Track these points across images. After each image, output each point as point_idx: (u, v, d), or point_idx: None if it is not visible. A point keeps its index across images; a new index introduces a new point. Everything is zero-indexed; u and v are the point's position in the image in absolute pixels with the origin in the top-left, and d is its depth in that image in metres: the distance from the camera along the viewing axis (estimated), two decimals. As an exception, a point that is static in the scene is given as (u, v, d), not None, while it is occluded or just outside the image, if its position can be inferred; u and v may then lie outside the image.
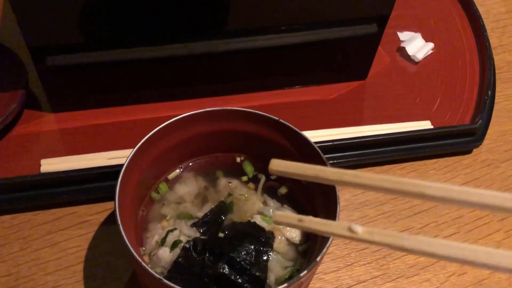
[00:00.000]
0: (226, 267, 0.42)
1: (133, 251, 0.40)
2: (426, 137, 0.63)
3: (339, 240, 0.56)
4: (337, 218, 0.41)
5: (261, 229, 0.45)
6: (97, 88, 0.61)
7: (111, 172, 0.55)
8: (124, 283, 0.51)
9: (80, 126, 0.61)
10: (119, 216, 0.41)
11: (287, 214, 0.37)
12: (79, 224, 0.55)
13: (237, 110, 0.47)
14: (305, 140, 0.46)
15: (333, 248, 0.55)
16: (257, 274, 0.42)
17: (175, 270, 0.42)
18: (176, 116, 0.61)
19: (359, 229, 0.33)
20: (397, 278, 0.54)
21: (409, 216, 0.59)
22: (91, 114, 0.62)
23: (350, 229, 0.33)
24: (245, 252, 0.43)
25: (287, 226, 0.38)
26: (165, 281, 0.37)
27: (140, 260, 0.39)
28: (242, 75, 0.65)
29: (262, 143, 0.49)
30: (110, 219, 0.55)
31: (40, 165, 0.56)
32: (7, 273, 0.51)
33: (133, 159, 0.44)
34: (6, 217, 0.54)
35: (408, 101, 0.68)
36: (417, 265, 0.55)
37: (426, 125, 0.64)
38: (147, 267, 0.39)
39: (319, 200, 0.47)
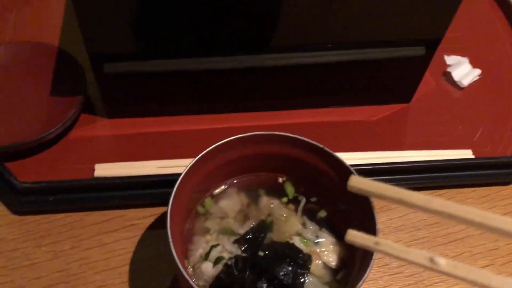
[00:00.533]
0: (265, 286, 0.44)
1: (179, 263, 0.43)
2: (467, 166, 0.63)
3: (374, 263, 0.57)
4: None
5: (299, 251, 0.47)
6: (151, 97, 0.65)
7: (160, 181, 0.58)
8: (166, 286, 0.54)
9: (132, 133, 0.64)
10: (170, 227, 0.44)
11: (363, 235, 0.38)
12: (127, 227, 0.58)
13: (283, 135, 0.50)
14: (348, 170, 0.48)
15: (366, 270, 0.57)
16: (294, 295, 0.44)
17: (217, 285, 0.45)
18: (222, 129, 0.65)
19: (442, 262, 0.33)
20: (427, 305, 0.55)
21: (443, 243, 0.60)
22: (144, 122, 0.65)
23: (432, 261, 0.33)
24: (283, 273, 0.45)
25: (360, 246, 0.38)
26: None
27: (185, 272, 0.42)
28: (286, 92, 0.67)
29: (304, 167, 0.51)
30: (156, 224, 0.59)
31: (94, 169, 0.59)
32: (60, 269, 0.55)
33: (187, 175, 0.47)
34: (60, 215, 0.58)
35: (450, 128, 0.68)
36: (448, 293, 0.56)
37: (467, 154, 0.65)
38: (191, 281, 0.41)
39: (357, 224, 0.48)
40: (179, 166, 0.59)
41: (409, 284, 0.57)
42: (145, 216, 0.59)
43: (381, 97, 0.70)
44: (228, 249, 0.48)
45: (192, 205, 0.51)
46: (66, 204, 0.58)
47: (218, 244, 0.48)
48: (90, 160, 0.60)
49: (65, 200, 0.58)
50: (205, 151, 0.48)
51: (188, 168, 0.47)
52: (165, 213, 0.59)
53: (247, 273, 0.45)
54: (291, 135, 0.50)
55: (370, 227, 0.45)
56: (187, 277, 0.41)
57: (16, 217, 0.58)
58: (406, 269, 0.58)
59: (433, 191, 0.64)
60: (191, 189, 0.48)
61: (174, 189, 0.46)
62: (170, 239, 0.43)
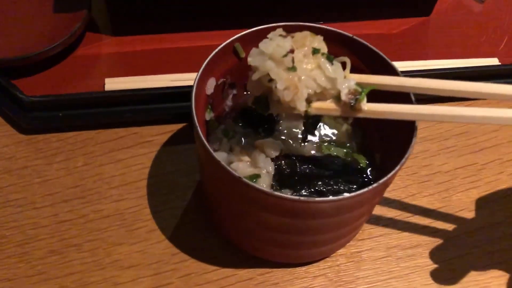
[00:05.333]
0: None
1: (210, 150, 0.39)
2: (493, 74, 0.61)
3: (402, 172, 0.55)
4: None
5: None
6: (157, 12, 0.61)
7: (175, 93, 0.55)
8: (186, 200, 0.52)
9: (141, 50, 0.61)
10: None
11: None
12: (142, 143, 0.55)
13: (311, 26, 0.46)
14: (382, 58, 0.45)
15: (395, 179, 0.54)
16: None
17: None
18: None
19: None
20: (460, 210, 0.53)
21: (473, 152, 0.57)
22: (150, 39, 0.62)
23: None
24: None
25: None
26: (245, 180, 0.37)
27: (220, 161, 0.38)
28: (303, 5, 0.64)
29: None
30: (173, 140, 0.56)
31: (104, 84, 0.56)
32: (74, 185, 0.52)
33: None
34: (71, 134, 0.55)
35: (473, 39, 0.66)
36: (479, 199, 0.54)
37: (493, 61, 0.62)
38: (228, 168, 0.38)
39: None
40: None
41: (440, 191, 0.54)
42: (159, 133, 0.56)
43: (399, 10, 0.66)
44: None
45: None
46: (76, 120, 0.55)
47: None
48: (100, 76, 0.57)
49: (76, 116, 0.54)
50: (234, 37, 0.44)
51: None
52: (180, 129, 0.57)
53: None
54: (317, 25, 0.46)
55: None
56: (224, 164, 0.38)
57: (25, 136, 0.55)
58: (436, 177, 0.55)
59: (460, 102, 0.61)
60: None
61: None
62: (196, 123, 0.40)
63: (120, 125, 0.56)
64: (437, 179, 0.55)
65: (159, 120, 0.56)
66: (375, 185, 0.38)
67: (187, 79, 0.57)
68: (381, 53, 0.46)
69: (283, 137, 0.48)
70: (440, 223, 0.52)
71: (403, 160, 0.39)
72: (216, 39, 0.61)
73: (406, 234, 0.51)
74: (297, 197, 0.37)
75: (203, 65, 0.42)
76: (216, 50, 0.43)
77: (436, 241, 0.51)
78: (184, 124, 0.57)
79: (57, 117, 0.54)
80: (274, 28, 0.45)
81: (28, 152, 0.54)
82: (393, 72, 0.44)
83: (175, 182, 0.53)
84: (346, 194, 0.39)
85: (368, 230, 0.51)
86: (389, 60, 0.45)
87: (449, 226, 0.52)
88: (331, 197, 0.38)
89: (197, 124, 0.40)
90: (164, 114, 0.56)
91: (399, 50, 0.63)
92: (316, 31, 0.44)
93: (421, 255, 0.50)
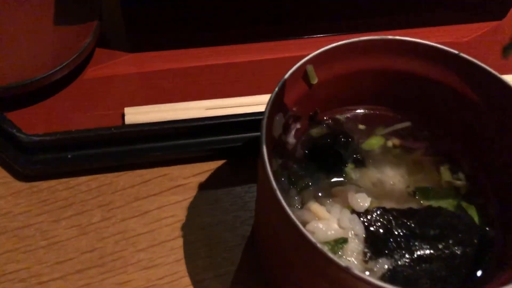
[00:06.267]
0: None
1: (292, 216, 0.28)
2: None
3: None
4: None
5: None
6: (184, 21, 0.50)
7: (212, 125, 0.44)
8: (235, 263, 0.40)
9: (166, 69, 0.49)
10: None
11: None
12: (173, 188, 0.44)
13: (399, 40, 0.35)
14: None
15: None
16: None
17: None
18: (280, 60, 0.51)
19: None
20: None
21: None
22: (178, 54, 0.50)
23: None
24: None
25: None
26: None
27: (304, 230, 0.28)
28: (361, 11, 0.53)
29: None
30: (210, 183, 0.44)
31: (123, 114, 0.45)
32: (90, 248, 0.40)
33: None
34: (83, 179, 0.44)
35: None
36: None
37: None
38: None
39: None
40: (235, 105, 0.45)
41: None
42: (194, 174, 0.45)
43: (469, 14, 0.56)
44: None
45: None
46: (90, 162, 0.43)
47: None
48: (117, 104, 0.46)
49: (89, 157, 0.43)
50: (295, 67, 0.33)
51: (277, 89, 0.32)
52: (220, 168, 0.45)
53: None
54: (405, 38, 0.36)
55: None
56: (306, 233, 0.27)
57: (25, 184, 0.43)
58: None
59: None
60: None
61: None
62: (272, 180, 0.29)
63: (145, 165, 0.45)
64: None
65: (193, 158, 0.45)
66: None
67: (225, 105, 0.46)
68: (497, 74, 0.35)
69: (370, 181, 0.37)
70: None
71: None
72: (250, 53, 0.51)
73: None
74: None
75: (271, 99, 0.31)
76: (286, 76, 0.32)
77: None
78: (223, 161, 0.46)
79: (65, 159, 0.43)
80: (351, 45, 0.34)
81: (30, 205, 0.42)
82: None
83: (219, 238, 0.41)
84: None
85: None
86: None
87: None
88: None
89: (275, 186, 0.29)
90: (199, 150, 0.45)
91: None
92: (409, 47, 0.34)
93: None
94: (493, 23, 0.57)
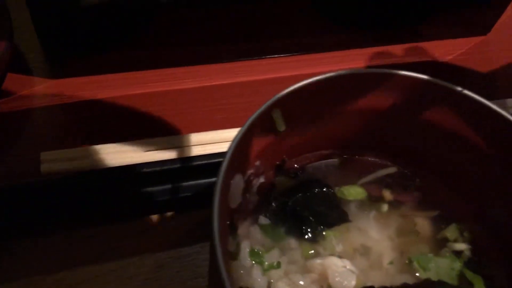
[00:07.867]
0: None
1: None
2: None
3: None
4: None
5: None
6: (118, 36, 0.41)
7: (156, 172, 0.35)
8: None
9: (96, 99, 0.40)
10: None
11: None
12: (103, 253, 0.35)
13: (395, 74, 0.28)
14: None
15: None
16: None
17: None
18: (233, 85, 0.43)
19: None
20: None
21: None
22: (112, 80, 0.41)
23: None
24: None
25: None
26: None
27: None
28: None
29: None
30: (151, 245, 0.35)
31: (39, 162, 0.35)
32: None
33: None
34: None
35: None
36: None
37: None
38: None
39: None
40: (185, 145, 0.37)
41: None
42: (129, 235, 0.36)
43: (452, 30, 0.49)
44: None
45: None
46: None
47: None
48: (32, 148, 0.36)
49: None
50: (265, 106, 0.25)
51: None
52: (164, 225, 0.37)
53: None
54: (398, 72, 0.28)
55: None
56: None
57: None
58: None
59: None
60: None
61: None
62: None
63: (65, 225, 0.35)
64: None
65: (128, 214, 0.36)
66: None
67: (172, 146, 0.37)
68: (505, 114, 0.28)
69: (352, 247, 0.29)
70: None
71: None
72: (208, 76, 0.43)
73: None
74: None
75: (225, 163, 0.22)
76: (245, 127, 0.24)
77: None
78: (168, 215, 0.37)
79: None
80: (332, 80, 0.27)
81: None
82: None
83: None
84: None
85: None
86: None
87: None
88: None
89: (226, 279, 0.20)
90: (135, 205, 0.36)
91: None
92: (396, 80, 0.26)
93: None
94: (478, 38, 0.50)
